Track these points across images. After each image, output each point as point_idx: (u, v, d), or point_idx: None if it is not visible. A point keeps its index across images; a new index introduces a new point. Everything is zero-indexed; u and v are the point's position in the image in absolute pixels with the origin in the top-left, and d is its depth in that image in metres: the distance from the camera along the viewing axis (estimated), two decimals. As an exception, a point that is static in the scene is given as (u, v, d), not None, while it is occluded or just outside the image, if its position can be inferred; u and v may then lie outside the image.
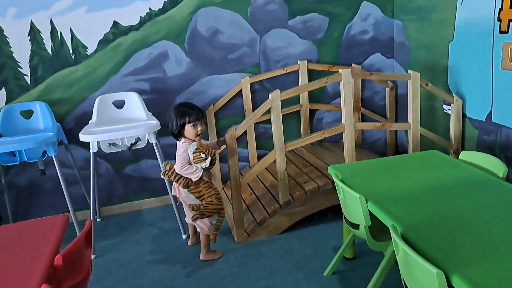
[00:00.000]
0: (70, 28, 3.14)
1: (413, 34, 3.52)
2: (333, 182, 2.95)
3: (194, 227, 2.83)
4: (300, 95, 3.66)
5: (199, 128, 2.50)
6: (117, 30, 3.22)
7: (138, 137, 2.91)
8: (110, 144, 2.92)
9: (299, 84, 3.63)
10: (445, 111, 3.28)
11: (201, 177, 2.47)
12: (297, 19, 3.54)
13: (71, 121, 3.27)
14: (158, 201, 3.60)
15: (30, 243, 1.72)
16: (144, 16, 3.25)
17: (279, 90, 2.75)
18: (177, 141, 2.55)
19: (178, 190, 2.61)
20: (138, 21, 3.24)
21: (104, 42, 3.22)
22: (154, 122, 2.87)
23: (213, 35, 3.39)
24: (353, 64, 3.68)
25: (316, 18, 3.58)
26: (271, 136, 3.45)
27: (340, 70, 2.81)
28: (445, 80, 3.23)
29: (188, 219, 2.72)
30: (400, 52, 3.73)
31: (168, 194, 2.96)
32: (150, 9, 3.24)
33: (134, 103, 3.15)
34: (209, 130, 3.53)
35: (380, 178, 2.25)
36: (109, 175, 3.46)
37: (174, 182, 2.56)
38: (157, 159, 2.98)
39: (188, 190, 2.53)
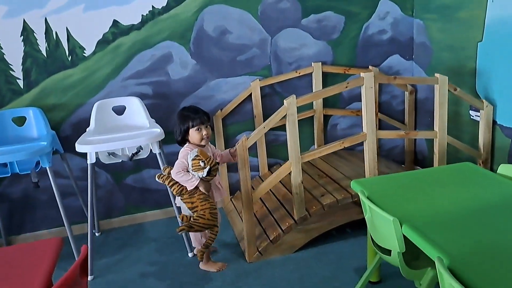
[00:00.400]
0: (66, 28, 2.89)
1: (435, 34, 3.27)
2: (352, 195, 2.70)
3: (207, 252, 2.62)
4: (313, 99, 3.41)
5: (204, 132, 2.37)
6: (117, 29, 2.97)
7: (140, 147, 2.66)
8: (109, 154, 2.68)
9: (313, 88, 3.39)
10: (471, 117, 3.03)
11: (196, 187, 2.31)
12: (311, 18, 3.29)
13: (68, 128, 3.02)
14: (161, 213, 3.35)
15: (20, 272, 1.53)
16: (147, 14, 3.00)
17: (295, 96, 2.50)
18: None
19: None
20: (140, 20, 3.00)
21: (103, 42, 2.97)
22: (158, 131, 2.63)
23: (220, 35, 3.15)
24: (370, 66, 3.43)
25: (331, 17, 3.33)
26: (283, 144, 3.21)
27: (362, 74, 2.56)
28: (473, 84, 2.97)
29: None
30: (421, 54, 3.48)
31: (172, 206, 2.72)
32: (153, 7, 3.00)
33: (136, 109, 2.90)
34: (217, 137, 3.28)
35: (411, 195, 2.00)
36: (109, 186, 3.22)
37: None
38: (161, 169, 2.73)
39: (181, 199, 2.38)
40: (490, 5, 2.73)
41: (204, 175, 2.27)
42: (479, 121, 2.93)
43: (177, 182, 2.33)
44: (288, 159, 2.56)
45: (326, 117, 3.53)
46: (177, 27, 3.06)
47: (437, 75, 2.68)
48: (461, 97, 2.79)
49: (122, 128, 2.79)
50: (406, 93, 3.55)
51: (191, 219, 2.36)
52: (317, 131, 3.49)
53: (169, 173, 2.38)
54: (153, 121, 2.87)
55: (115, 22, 2.96)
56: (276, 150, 3.43)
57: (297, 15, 3.26)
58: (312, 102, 3.40)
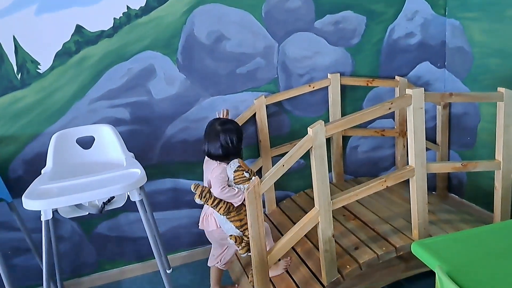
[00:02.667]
0: (14, 37, 2.20)
1: (477, 37, 2.68)
2: (397, 248, 2.07)
3: (219, 273, 2.34)
4: (331, 117, 2.78)
5: None
6: (82, 38, 2.29)
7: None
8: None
9: (329, 105, 2.76)
10: (532, 139, 2.43)
11: (242, 202, 2.04)
12: (326, 19, 2.66)
13: (18, 167, 2.32)
14: (143, 267, 2.66)
15: None
16: (120, 17, 2.33)
17: (323, 122, 1.86)
18: (208, 162, 2.18)
19: (206, 221, 2.18)
20: (112, 25, 2.32)
21: (63, 55, 2.28)
22: (137, 173, 1.94)
23: (216, 43, 2.48)
24: (397, 77, 2.82)
25: (350, 18, 2.70)
26: (293, 172, 2.63)
27: (409, 91, 1.94)
28: (534, 98, 2.38)
29: (213, 261, 2.30)
30: (456, 61, 2.88)
31: (155, 258, 2.06)
32: (128, 7, 2.32)
33: (108, 140, 2.21)
34: (212, 169, 2.61)
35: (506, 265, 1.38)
36: (76, 237, 2.51)
37: (203, 212, 2.20)
38: (141, 214, 2.04)
39: (227, 218, 2.08)
40: None
41: None
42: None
43: (221, 200, 2.04)
44: (301, 191, 2.24)
45: (345, 138, 2.91)
46: (161, 33, 2.39)
47: (501, 89, 2.08)
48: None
49: (89, 167, 2.11)
50: (439, 107, 2.95)
51: (244, 238, 2.06)
52: (335, 156, 2.86)
53: (207, 191, 2.05)
54: (131, 155, 2.19)
55: (78, 28, 2.28)
56: (285, 180, 2.76)
57: (310, 16, 2.63)
58: (329, 120, 2.77)
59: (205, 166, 2.22)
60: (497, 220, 2.22)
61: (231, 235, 2.05)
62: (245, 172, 2.05)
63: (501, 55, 2.54)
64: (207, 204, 2.05)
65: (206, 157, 2.22)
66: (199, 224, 2.25)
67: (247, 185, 1.98)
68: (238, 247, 2.06)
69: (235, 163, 2.06)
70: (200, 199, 2.04)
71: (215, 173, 2.06)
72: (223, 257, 2.29)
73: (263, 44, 2.57)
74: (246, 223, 1.96)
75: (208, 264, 2.35)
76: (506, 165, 2.14)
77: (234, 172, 2.05)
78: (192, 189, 2.06)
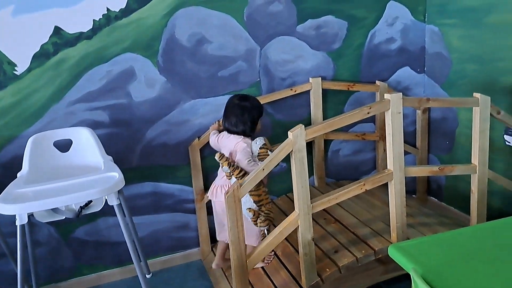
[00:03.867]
0: (-11, 37, 2.16)
1: (456, 42, 2.72)
2: (376, 251, 2.09)
3: (225, 248, 2.39)
4: (312, 121, 2.79)
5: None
6: (60, 39, 2.25)
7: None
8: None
9: (311, 108, 2.77)
10: (507, 143, 2.49)
11: (261, 179, 2.03)
12: (308, 23, 2.67)
13: (-7, 170, 2.27)
14: (122, 272, 2.62)
15: None
16: (100, 19, 2.30)
17: (303, 126, 1.86)
18: (227, 137, 2.24)
19: (217, 192, 2.24)
20: (91, 27, 2.29)
21: (41, 56, 2.24)
22: (116, 177, 1.92)
23: (197, 45, 2.48)
24: (377, 81, 2.85)
25: (332, 23, 2.72)
26: (276, 176, 2.67)
27: (387, 95, 1.96)
28: (510, 103, 2.44)
29: (223, 236, 2.35)
30: (435, 66, 2.93)
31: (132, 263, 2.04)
32: (108, 9, 2.30)
33: (86, 144, 2.18)
34: (193, 172, 2.60)
35: (489, 272, 1.40)
36: (53, 242, 2.47)
37: (216, 185, 2.26)
38: (120, 218, 2.02)
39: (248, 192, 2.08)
40: (537, 7, 2.20)
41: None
42: (519, 149, 2.41)
43: (246, 172, 2.08)
44: (283, 194, 2.24)
45: (326, 142, 2.92)
46: (141, 35, 2.37)
47: (477, 95, 2.11)
48: (506, 122, 2.23)
49: (66, 171, 2.07)
50: (418, 112, 2.99)
51: (260, 214, 2.11)
52: (317, 159, 2.87)
53: (230, 161, 2.09)
54: (110, 159, 2.17)
55: (57, 30, 2.24)
56: (267, 184, 2.75)
57: (292, 20, 2.64)
58: (310, 124, 2.78)
59: (222, 141, 2.26)
60: (473, 222, 2.25)
61: (249, 208, 2.10)
62: (269, 150, 2.14)
63: (478, 61, 2.59)
64: (233, 174, 2.09)
65: (221, 134, 2.29)
66: (209, 194, 2.32)
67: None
68: (255, 220, 2.11)
69: (261, 140, 2.17)
70: (229, 167, 2.08)
71: (241, 146, 2.13)
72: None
73: (245, 48, 2.57)
74: (263, 199, 2.13)
75: (217, 238, 2.42)
76: (481, 168, 2.18)
77: (260, 148, 2.14)
78: (216, 158, 2.10)
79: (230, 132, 2.24)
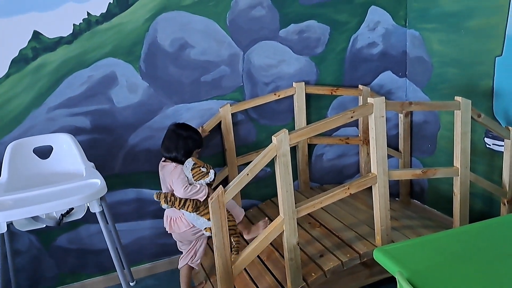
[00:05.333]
0: (-34, 42, 2.11)
1: (436, 47, 2.77)
2: (361, 255, 2.10)
3: (190, 274, 2.34)
4: (296, 125, 2.79)
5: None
6: (40, 44, 2.22)
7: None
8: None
9: (295, 113, 2.78)
10: (488, 146, 2.53)
11: (208, 194, 2.09)
12: (291, 28, 2.68)
13: (-29, 178, 2.21)
14: (106, 280, 2.58)
15: None
16: (80, 24, 2.27)
17: (287, 131, 1.86)
18: (164, 167, 2.18)
19: (175, 224, 2.18)
20: (71, 31, 2.26)
21: (20, 61, 2.20)
22: (97, 184, 1.89)
23: (180, 50, 2.46)
24: (360, 86, 2.87)
25: (314, 27, 2.74)
26: (260, 181, 2.67)
27: (370, 100, 1.97)
28: (489, 107, 2.48)
29: (187, 259, 2.28)
30: (416, 70, 2.97)
31: (116, 271, 2.00)
32: (88, 13, 2.27)
33: (66, 150, 2.15)
34: (177, 178, 2.57)
35: (473, 274, 1.41)
36: (34, 251, 2.41)
37: (168, 217, 2.20)
38: (102, 226, 1.98)
39: (197, 213, 2.13)
40: (514, 12, 2.25)
41: (212, 178, 2.13)
42: (498, 151, 2.45)
43: (187, 199, 2.09)
44: (268, 199, 2.24)
45: (310, 146, 2.93)
46: (122, 40, 2.34)
47: (458, 98, 2.14)
48: (485, 125, 2.27)
49: (47, 178, 2.04)
50: (401, 116, 3.02)
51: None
52: (301, 164, 2.88)
53: (170, 196, 2.09)
54: (92, 165, 2.13)
55: (36, 34, 2.21)
56: (251, 189, 2.74)
57: (274, 25, 2.64)
58: (294, 128, 2.79)
59: (162, 172, 2.21)
60: (456, 225, 2.28)
61: (205, 228, 2.12)
62: (201, 167, 2.12)
63: (458, 65, 2.63)
64: (175, 207, 2.08)
65: (161, 163, 2.24)
66: (168, 229, 2.23)
67: (207, 178, 2.11)
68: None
69: (189, 162, 2.13)
70: (167, 203, 2.08)
71: (174, 176, 2.09)
72: (197, 251, 2.27)
73: (228, 52, 2.57)
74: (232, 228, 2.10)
75: (179, 266, 2.32)
76: (463, 171, 2.21)
77: (191, 170, 2.11)
78: (155, 198, 2.08)
79: (164, 157, 2.21)
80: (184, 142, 2.16)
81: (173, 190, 2.11)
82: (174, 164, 2.15)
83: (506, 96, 2.38)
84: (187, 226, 2.16)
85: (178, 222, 2.17)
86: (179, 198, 2.08)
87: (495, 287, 1.38)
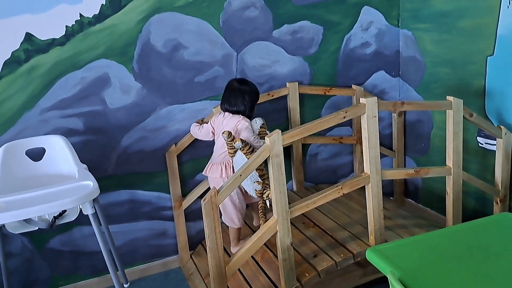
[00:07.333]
0: (-43, 43, 2.10)
1: (429, 47, 2.78)
2: (354, 255, 2.10)
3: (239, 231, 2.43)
4: (290, 125, 2.80)
5: None
6: (32, 46, 2.21)
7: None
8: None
9: (289, 113, 2.78)
10: (480, 145, 2.54)
11: None
12: (284, 28, 2.69)
13: (-37, 181, 2.19)
14: (100, 282, 2.57)
15: None
16: (73, 25, 2.26)
17: (280, 131, 1.87)
18: (227, 116, 2.32)
19: (212, 170, 2.34)
20: (64, 33, 2.25)
21: (12, 63, 2.19)
22: (90, 186, 1.88)
23: (173, 51, 2.46)
24: (353, 85, 2.88)
25: (307, 28, 2.74)
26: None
27: (363, 100, 1.98)
28: (481, 106, 2.49)
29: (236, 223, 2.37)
30: (409, 70, 2.98)
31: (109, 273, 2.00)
32: (81, 15, 2.26)
33: (59, 152, 2.14)
34: (170, 178, 2.57)
35: (465, 274, 1.42)
36: (26, 253, 2.40)
37: (211, 163, 2.35)
38: (96, 228, 1.98)
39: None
40: (505, 12, 2.26)
41: (266, 144, 2.06)
42: (490, 150, 2.46)
43: (254, 149, 2.16)
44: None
45: (304, 146, 2.93)
46: (115, 41, 2.34)
47: (450, 98, 2.15)
48: (478, 125, 2.28)
49: (39, 180, 2.03)
50: (394, 115, 3.04)
51: (266, 187, 2.16)
52: (295, 163, 2.88)
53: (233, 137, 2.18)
54: (84, 167, 2.12)
55: (28, 36, 2.20)
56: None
57: (268, 25, 2.65)
58: (288, 128, 2.79)
59: (226, 121, 2.31)
60: (449, 224, 2.29)
61: (257, 181, 2.19)
62: (266, 130, 2.34)
63: (450, 64, 2.65)
64: (243, 150, 2.14)
65: (218, 116, 2.36)
66: (204, 171, 2.39)
67: (263, 141, 2.11)
68: (261, 192, 2.17)
69: (260, 120, 2.36)
70: (242, 142, 2.15)
71: (243, 125, 2.26)
72: (235, 215, 2.35)
73: (222, 53, 2.57)
74: (265, 174, 2.19)
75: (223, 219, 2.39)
76: (456, 170, 2.22)
77: (260, 127, 2.33)
78: (225, 136, 2.15)
79: (229, 112, 2.32)
80: (249, 96, 2.31)
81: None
82: (240, 116, 2.30)
83: (498, 95, 2.39)
84: (219, 175, 2.30)
85: (214, 168, 2.33)
86: (249, 144, 2.17)
87: (487, 285, 1.39)
